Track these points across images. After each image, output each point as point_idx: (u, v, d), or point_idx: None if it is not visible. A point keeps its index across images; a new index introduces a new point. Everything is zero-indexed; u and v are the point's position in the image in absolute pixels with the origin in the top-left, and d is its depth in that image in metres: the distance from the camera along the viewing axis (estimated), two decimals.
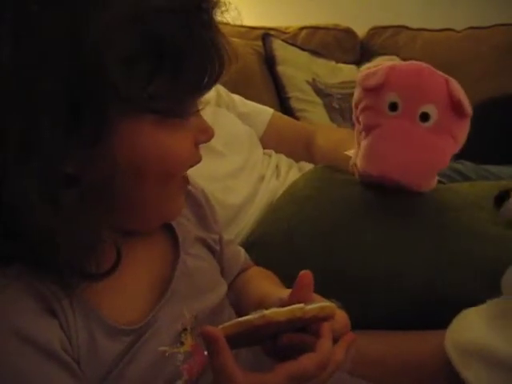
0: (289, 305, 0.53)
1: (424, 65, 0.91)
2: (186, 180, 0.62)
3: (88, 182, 0.52)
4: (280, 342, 0.56)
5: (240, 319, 0.51)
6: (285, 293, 0.62)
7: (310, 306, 0.53)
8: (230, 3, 0.57)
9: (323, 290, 0.63)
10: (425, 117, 0.87)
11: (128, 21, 0.49)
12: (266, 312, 0.51)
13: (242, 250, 0.81)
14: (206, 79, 0.54)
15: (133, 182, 0.54)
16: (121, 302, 0.57)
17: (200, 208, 0.71)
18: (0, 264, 0.52)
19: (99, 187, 0.53)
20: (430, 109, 0.87)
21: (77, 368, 0.52)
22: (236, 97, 1.26)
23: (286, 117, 1.42)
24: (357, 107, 0.93)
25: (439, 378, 0.72)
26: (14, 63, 0.48)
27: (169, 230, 0.64)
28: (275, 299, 0.61)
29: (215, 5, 0.55)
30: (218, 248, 0.71)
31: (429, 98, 0.87)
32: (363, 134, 0.91)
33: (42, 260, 0.51)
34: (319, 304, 0.54)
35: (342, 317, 0.58)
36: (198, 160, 0.60)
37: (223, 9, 0.56)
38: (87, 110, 0.49)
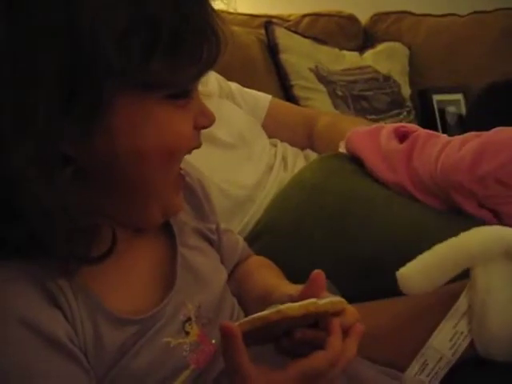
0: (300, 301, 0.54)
1: None
2: (181, 176, 0.61)
3: (85, 162, 0.52)
4: (294, 337, 0.56)
5: (255, 315, 0.52)
6: (291, 288, 0.62)
7: (322, 301, 0.54)
8: None
9: (335, 277, 0.63)
10: None
11: None
12: (282, 307, 0.52)
13: (241, 239, 0.80)
14: (204, 58, 0.54)
15: (133, 164, 0.54)
16: (123, 293, 0.57)
17: (195, 197, 0.70)
18: (2, 256, 0.52)
19: (98, 167, 0.53)
20: None
21: (83, 358, 0.53)
22: (233, 85, 1.24)
23: (284, 102, 1.41)
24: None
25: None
26: (8, 39, 0.48)
27: (165, 223, 0.64)
28: (282, 295, 0.61)
29: None
30: (215, 237, 0.71)
31: None
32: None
33: (39, 241, 0.51)
34: (330, 299, 0.55)
35: (351, 311, 0.57)
36: (198, 145, 0.60)
37: None
38: (82, 86, 0.50)
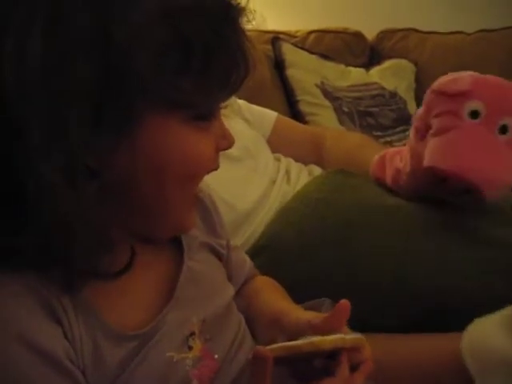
0: (321, 329, 0.57)
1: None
2: (196, 195, 0.62)
3: (109, 177, 0.52)
4: (312, 364, 0.56)
5: (289, 344, 0.55)
6: (303, 313, 0.63)
7: (348, 337, 0.56)
8: (255, 11, 0.58)
9: (335, 293, 0.63)
10: (504, 129, 0.87)
11: (157, 18, 0.51)
12: (315, 340, 0.54)
13: (248, 258, 0.80)
14: (232, 81, 0.55)
15: (153, 181, 0.55)
16: (124, 308, 0.57)
17: (207, 213, 0.70)
18: (7, 269, 0.51)
19: (120, 183, 0.53)
20: (510, 122, 0.87)
21: (81, 377, 0.52)
22: (240, 101, 1.26)
23: (290, 120, 1.42)
24: (429, 112, 0.92)
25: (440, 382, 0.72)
26: (44, 53, 0.49)
27: (175, 236, 0.64)
28: (297, 320, 0.61)
29: (242, 12, 0.57)
30: (224, 253, 0.71)
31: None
32: (433, 135, 0.90)
33: (54, 253, 0.51)
34: (354, 336, 0.57)
35: (367, 349, 0.59)
36: (217, 167, 0.60)
37: (250, 17, 0.57)
38: (114, 101, 0.50)
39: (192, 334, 0.59)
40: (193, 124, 0.55)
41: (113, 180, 0.53)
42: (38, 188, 0.49)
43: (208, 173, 0.60)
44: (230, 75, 0.55)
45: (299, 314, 0.63)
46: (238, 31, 0.56)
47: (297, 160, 1.19)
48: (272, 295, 0.74)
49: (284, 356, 0.53)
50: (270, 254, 0.92)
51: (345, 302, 0.58)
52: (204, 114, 0.56)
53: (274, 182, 1.08)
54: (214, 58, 0.53)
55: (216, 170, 0.60)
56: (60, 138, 0.49)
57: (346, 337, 0.56)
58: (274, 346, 0.54)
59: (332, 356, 0.56)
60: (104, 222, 0.52)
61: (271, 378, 0.51)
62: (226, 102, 0.58)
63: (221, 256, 0.70)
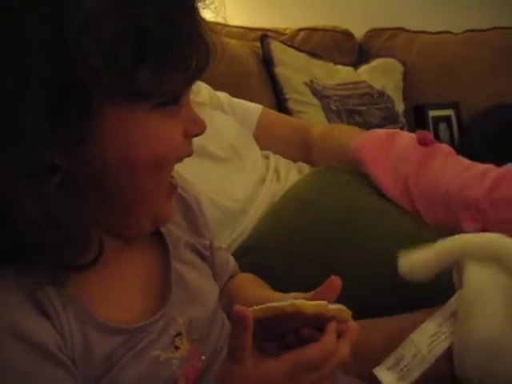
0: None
1: None
2: (173, 185, 0.61)
3: (75, 171, 0.52)
4: (300, 334, 0.56)
5: (270, 304, 0.53)
6: (287, 295, 0.63)
7: (332, 306, 0.55)
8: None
9: None
10: None
11: (110, 8, 0.50)
12: (296, 301, 0.53)
13: (231, 257, 0.81)
14: (193, 66, 0.54)
15: (123, 173, 0.54)
16: (112, 304, 0.57)
17: (191, 212, 0.70)
18: None
19: (88, 176, 0.53)
20: None
21: (73, 366, 0.52)
22: (221, 95, 1.23)
23: (276, 113, 1.40)
24: None
25: None
26: None
27: (158, 237, 0.64)
28: (281, 298, 0.60)
29: None
30: (208, 254, 0.71)
31: None
32: None
33: (26, 250, 0.51)
34: (339, 306, 0.56)
35: (354, 324, 0.58)
36: (189, 153, 0.59)
37: (207, 2, 0.56)
38: (71, 97, 0.50)
39: (178, 334, 0.59)
40: (158, 110, 0.54)
41: (83, 174, 0.53)
42: (0, 186, 0.49)
43: (180, 160, 0.59)
44: (190, 62, 0.54)
45: (282, 296, 0.63)
46: (196, 18, 0.55)
47: (285, 155, 1.18)
48: (256, 287, 0.74)
49: (265, 319, 0.52)
50: (257, 254, 0.92)
51: (335, 279, 0.58)
52: (168, 100, 0.55)
53: (263, 180, 1.08)
54: (172, 47, 0.52)
55: (189, 156, 0.59)
56: (18, 136, 0.49)
57: (330, 305, 0.55)
58: (255, 307, 0.53)
59: (321, 328, 0.55)
60: (73, 217, 0.52)
61: (251, 340, 0.50)
62: (195, 89, 0.58)
63: (204, 257, 0.70)
